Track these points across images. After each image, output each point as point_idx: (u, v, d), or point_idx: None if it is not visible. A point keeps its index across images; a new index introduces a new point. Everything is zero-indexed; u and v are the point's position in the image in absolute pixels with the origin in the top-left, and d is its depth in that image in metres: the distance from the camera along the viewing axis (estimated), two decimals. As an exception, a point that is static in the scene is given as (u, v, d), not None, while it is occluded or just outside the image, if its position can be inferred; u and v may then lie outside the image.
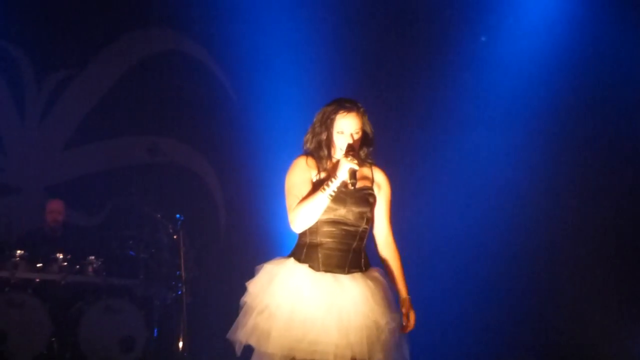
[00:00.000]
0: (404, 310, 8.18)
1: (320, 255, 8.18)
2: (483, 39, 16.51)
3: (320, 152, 8.11)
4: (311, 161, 8.16)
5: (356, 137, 8.11)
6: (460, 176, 14.68)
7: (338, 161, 7.84)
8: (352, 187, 7.82)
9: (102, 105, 16.41)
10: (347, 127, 8.09)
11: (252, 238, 14.67)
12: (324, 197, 7.88)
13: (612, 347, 14.27)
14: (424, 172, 13.90)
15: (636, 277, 14.67)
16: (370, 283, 8.10)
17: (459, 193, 14.59)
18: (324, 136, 8.14)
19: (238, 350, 8.12)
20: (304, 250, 8.19)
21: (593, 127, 14.96)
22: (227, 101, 16.44)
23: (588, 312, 14.39)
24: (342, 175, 7.78)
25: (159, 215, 14.87)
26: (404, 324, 8.10)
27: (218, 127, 16.24)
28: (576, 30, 15.25)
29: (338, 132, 8.05)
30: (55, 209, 14.95)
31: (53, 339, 14.13)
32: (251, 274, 8.81)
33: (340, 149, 7.97)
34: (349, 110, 8.08)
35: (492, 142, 15.02)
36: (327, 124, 8.14)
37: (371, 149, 8.30)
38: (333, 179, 7.80)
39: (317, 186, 7.94)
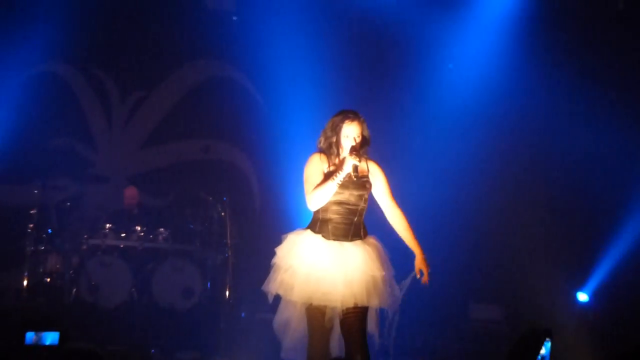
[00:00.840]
0: (419, 266, 8.53)
1: (330, 228, 8.47)
2: (450, 65, 16.37)
3: (331, 150, 8.43)
4: (323, 157, 8.47)
5: (358, 140, 8.41)
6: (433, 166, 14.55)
7: (344, 158, 8.26)
8: (355, 178, 8.20)
9: (169, 117, 16.41)
10: (351, 133, 8.41)
11: (279, 215, 14.64)
12: (333, 184, 8.20)
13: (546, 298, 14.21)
14: (406, 164, 13.72)
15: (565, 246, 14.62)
16: (367, 247, 8.44)
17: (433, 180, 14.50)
18: (333, 139, 8.43)
19: (270, 298, 8.45)
20: (318, 224, 8.49)
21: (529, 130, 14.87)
22: (259, 111, 16.38)
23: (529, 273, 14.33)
24: (347, 168, 8.15)
25: (210, 198, 14.91)
26: (420, 278, 8.48)
27: (252, 131, 16.18)
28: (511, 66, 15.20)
29: (344, 136, 8.38)
30: (130, 195, 15.04)
31: (133, 289, 14.30)
32: (279, 242, 8.90)
33: (346, 149, 8.34)
34: (352, 119, 8.44)
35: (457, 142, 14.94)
36: (336, 130, 8.44)
37: (368, 147, 8.49)
38: (340, 171, 8.18)
39: (327, 176, 8.30)
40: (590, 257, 14.98)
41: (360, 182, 8.40)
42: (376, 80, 15.53)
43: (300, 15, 15.14)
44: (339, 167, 8.27)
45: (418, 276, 8.55)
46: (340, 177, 8.22)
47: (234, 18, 15.87)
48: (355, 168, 8.18)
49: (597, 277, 15.00)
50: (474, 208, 14.72)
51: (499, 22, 15.32)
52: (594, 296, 15.09)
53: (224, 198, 14.99)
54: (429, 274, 8.55)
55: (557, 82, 14.76)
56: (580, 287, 15.17)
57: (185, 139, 16.46)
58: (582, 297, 15.17)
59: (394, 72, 15.51)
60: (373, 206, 8.77)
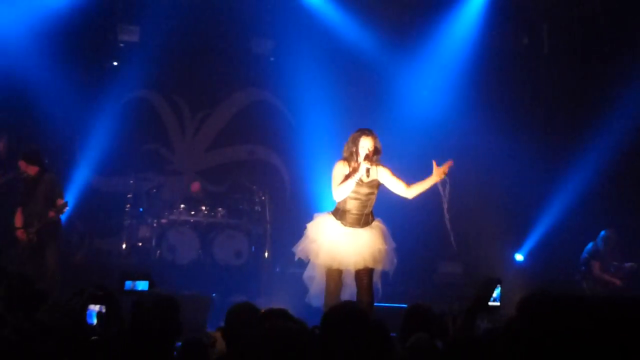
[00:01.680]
0: (440, 172, 8.89)
1: (347, 217, 8.99)
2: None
3: (351, 158, 8.87)
4: (345, 163, 8.87)
5: (370, 150, 8.77)
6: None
7: (359, 164, 8.67)
8: (367, 178, 8.68)
9: (225, 128, 16.43)
10: (366, 145, 8.82)
11: (302, 199, 14.83)
12: (352, 182, 8.72)
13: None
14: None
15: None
16: (374, 230, 9.02)
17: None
18: (353, 149, 8.87)
19: (296, 258, 9.29)
20: (339, 212, 9.01)
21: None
22: (288, 124, 16.39)
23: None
24: (362, 171, 8.64)
25: (254, 187, 15.10)
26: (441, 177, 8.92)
27: (283, 138, 16.18)
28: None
29: (361, 147, 8.79)
30: (195, 186, 15.13)
31: (200, 251, 14.41)
32: (303, 218, 9.47)
33: (362, 157, 8.73)
34: (367, 135, 8.87)
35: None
36: (355, 142, 8.86)
37: (379, 155, 8.90)
38: (356, 174, 8.66)
39: (348, 177, 8.70)
40: (523, 232, 15.27)
41: (371, 183, 8.81)
42: (371, 103, 15.47)
43: (318, 57, 15.12)
44: (356, 170, 8.68)
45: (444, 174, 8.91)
46: (356, 177, 8.67)
47: (271, 59, 15.89)
48: (368, 170, 8.63)
49: (528, 244, 15.26)
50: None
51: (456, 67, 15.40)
52: (527, 257, 15.35)
53: (263, 187, 15.13)
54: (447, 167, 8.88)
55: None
56: (517, 250, 15.42)
57: (236, 144, 16.46)
58: (519, 257, 15.40)
59: (381, 98, 15.60)
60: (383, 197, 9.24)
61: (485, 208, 14.61)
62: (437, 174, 8.89)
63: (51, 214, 11.11)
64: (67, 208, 11.41)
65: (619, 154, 14.06)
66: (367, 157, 8.68)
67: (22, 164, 11.34)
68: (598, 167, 14.37)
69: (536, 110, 16.02)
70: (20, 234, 11.21)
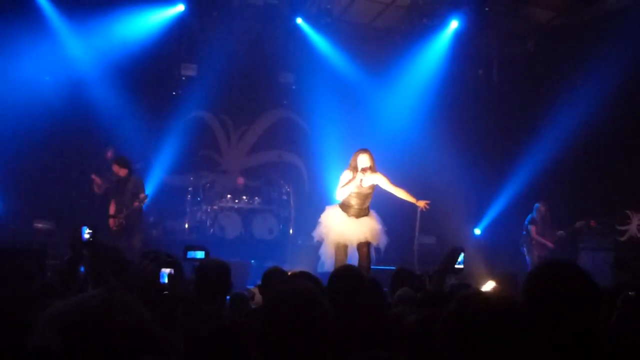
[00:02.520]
0: (420, 204, 9.33)
1: (350, 210, 9.17)
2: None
3: (354, 170, 8.95)
4: (349, 172, 8.97)
5: (367, 164, 8.96)
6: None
7: (357, 175, 8.89)
8: (366, 184, 8.95)
9: (260, 138, 16.48)
10: (362, 160, 9.00)
11: (317, 192, 14.67)
12: (349, 188, 8.97)
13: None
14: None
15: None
16: (370, 218, 9.20)
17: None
18: (354, 164, 9.01)
19: (314, 239, 9.42)
20: (344, 206, 9.20)
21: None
22: (305, 135, 16.38)
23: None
24: (357, 181, 8.93)
25: (282, 181, 15.08)
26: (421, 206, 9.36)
27: (303, 145, 16.22)
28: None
29: (359, 163, 8.98)
30: (239, 181, 15.04)
31: (242, 230, 14.41)
32: (319, 208, 9.56)
33: (359, 170, 8.90)
34: (363, 153, 9.04)
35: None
36: (356, 159, 9.02)
37: (374, 166, 9.05)
38: (353, 182, 8.92)
39: (349, 182, 8.90)
40: (480, 213, 15.32)
41: (368, 186, 9.03)
42: (364, 119, 15.52)
43: (327, 85, 15.18)
44: (354, 178, 8.90)
45: (423, 208, 9.32)
46: (352, 184, 8.92)
47: (293, 87, 15.94)
48: (361, 181, 8.90)
49: (484, 222, 15.32)
50: (422, 185, 14.90)
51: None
52: (483, 231, 15.40)
53: (288, 182, 15.14)
54: (427, 203, 9.32)
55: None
56: (476, 225, 15.50)
57: (268, 150, 16.38)
58: (477, 231, 15.46)
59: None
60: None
61: (452, 197, 14.39)
62: (418, 203, 9.36)
63: (136, 204, 11.36)
64: (147, 200, 11.62)
65: (552, 154, 14.05)
66: (363, 170, 8.91)
67: (115, 167, 11.62)
68: (535, 165, 14.44)
69: (489, 123, 16.10)
70: (112, 220, 11.46)
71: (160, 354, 2.11)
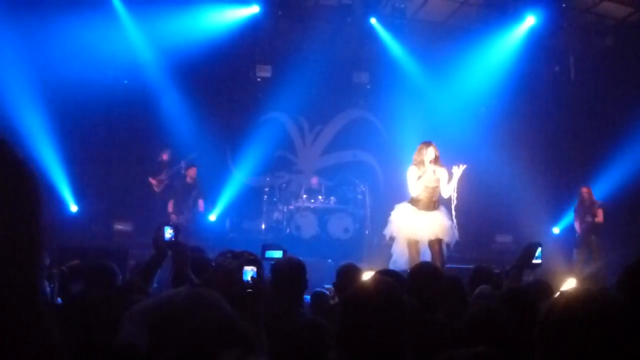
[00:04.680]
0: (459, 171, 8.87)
1: (420, 203, 9.08)
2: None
3: (420, 163, 8.89)
4: (415, 167, 8.86)
5: (433, 156, 8.83)
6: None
7: (427, 168, 8.85)
8: (433, 176, 8.85)
9: (334, 138, 16.60)
10: (429, 153, 8.87)
11: (392, 190, 14.30)
12: (424, 180, 8.89)
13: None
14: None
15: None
16: (441, 213, 9.03)
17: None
18: (419, 158, 8.92)
19: (387, 238, 9.27)
20: (413, 200, 9.10)
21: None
22: (380, 134, 16.47)
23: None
24: (429, 174, 8.80)
25: (357, 181, 15.09)
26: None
27: (378, 145, 16.27)
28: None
29: (426, 156, 8.86)
30: (314, 180, 15.02)
31: (318, 229, 14.29)
32: (391, 206, 9.41)
33: (427, 162, 8.81)
34: (428, 146, 8.91)
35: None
36: (421, 152, 8.90)
37: (439, 159, 8.96)
38: (425, 174, 8.83)
39: (421, 176, 8.88)
40: (560, 212, 15.04)
41: (436, 179, 8.91)
42: (432, 117, 15.16)
43: (399, 84, 15.26)
44: (426, 171, 8.83)
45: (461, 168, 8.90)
46: (425, 178, 8.86)
47: (368, 87, 16.05)
48: (433, 171, 8.80)
49: (564, 222, 15.02)
50: (498, 185, 14.84)
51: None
52: (562, 230, 15.12)
53: (363, 181, 15.14)
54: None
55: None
56: (554, 224, 15.24)
57: (343, 149, 16.49)
58: (556, 230, 15.22)
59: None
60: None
61: (529, 196, 14.33)
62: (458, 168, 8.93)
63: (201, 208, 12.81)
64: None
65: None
66: (431, 162, 8.84)
67: (192, 171, 12.19)
68: (617, 164, 13.95)
69: (566, 121, 15.87)
70: (173, 218, 12.34)
71: (246, 348, 2.16)
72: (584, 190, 12.96)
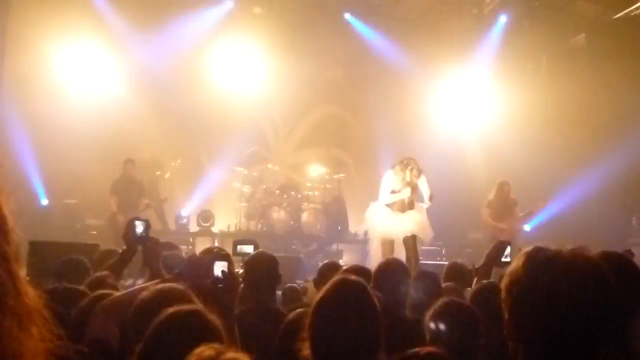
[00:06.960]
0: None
1: (395, 205, 9.44)
2: None
3: (401, 179, 9.38)
4: (394, 174, 9.52)
5: (410, 180, 9.32)
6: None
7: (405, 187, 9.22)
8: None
9: (303, 138, 16.68)
10: (407, 176, 9.42)
11: (366, 187, 14.21)
12: (397, 198, 9.26)
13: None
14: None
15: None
16: (416, 211, 9.37)
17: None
18: (400, 178, 9.50)
19: (362, 233, 9.11)
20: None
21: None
22: (353, 131, 16.41)
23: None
24: (405, 194, 9.27)
25: (330, 177, 14.82)
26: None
27: (351, 141, 16.23)
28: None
29: (403, 179, 9.39)
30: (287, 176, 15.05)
31: (291, 225, 14.04)
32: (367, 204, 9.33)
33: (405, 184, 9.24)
34: (407, 167, 9.46)
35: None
36: (400, 174, 9.40)
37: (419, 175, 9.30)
38: (402, 194, 9.27)
39: (396, 193, 9.31)
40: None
41: (409, 197, 9.30)
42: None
43: (373, 80, 15.19)
44: (401, 191, 9.30)
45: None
46: (398, 197, 9.30)
47: (341, 82, 16.11)
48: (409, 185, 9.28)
49: (535, 220, 14.82)
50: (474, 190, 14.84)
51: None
52: (532, 228, 14.94)
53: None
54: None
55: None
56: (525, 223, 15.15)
57: (316, 145, 16.31)
58: (527, 227, 15.01)
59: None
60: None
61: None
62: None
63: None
64: None
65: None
66: (408, 184, 9.22)
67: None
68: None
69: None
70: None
71: (217, 342, 2.16)
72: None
